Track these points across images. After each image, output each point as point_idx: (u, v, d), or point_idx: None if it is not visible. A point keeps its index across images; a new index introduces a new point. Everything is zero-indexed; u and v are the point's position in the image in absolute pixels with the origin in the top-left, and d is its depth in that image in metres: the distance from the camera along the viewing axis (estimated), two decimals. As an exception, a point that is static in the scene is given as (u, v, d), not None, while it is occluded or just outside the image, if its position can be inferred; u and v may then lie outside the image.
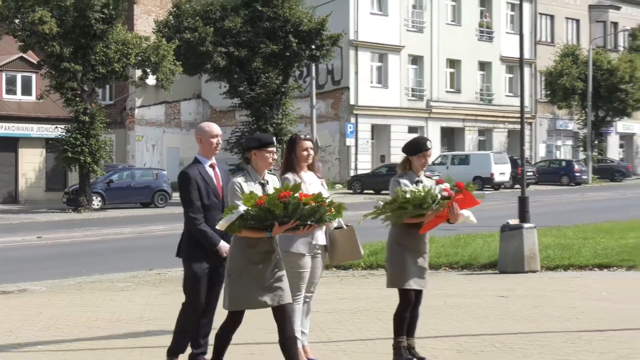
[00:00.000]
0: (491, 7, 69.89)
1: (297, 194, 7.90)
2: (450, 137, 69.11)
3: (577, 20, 77.82)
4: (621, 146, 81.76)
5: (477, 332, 11.42)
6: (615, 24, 77.93)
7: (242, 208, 7.85)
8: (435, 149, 62.92)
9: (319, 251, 9.37)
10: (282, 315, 8.31)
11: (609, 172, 69.80)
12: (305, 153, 9.16)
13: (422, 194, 8.66)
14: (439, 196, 8.72)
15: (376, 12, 62.92)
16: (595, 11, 76.83)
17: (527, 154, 60.94)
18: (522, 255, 17.81)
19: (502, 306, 13.80)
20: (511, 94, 69.79)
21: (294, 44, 48.06)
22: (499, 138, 71.00)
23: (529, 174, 51.65)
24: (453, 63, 68.44)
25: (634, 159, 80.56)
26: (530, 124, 70.40)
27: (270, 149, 8.40)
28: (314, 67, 52.87)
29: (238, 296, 8.30)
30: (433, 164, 57.89)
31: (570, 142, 76.11)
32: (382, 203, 9.03)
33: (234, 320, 8.46)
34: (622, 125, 77.08)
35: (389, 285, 9.32)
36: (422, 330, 10.71)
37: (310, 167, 9.29)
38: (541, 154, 73.35)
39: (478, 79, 70.35)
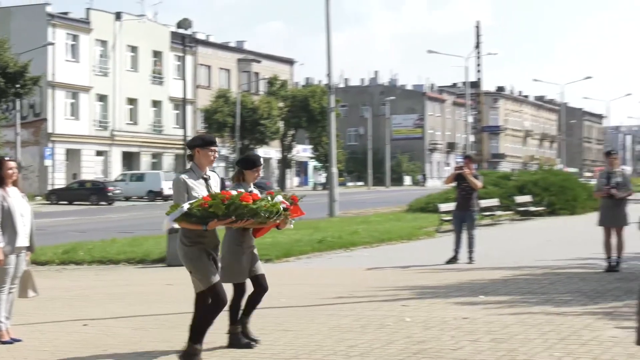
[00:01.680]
0: (162, 58, 75.29)
1: (239, 196, 7.65)
2: (130, 159, 73.00)
3: (229, 70, 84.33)
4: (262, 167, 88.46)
5: (149, 313, 11.46)
6: (257, 74, 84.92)
7: (186, 206, 7.51)
8: (117, 169, 68.89)
9: (22, 251, 9.29)
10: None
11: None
12: (10, 172, 9.10)
13: (270, 204, 7.94)
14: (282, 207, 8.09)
15: (70, 59, 67.75)
16: (242, 63, 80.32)
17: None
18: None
19: (168, 292, 13.98)
20: (177, 126, 72.57)
21: (2, 83, 50.20)
22: (168, 160, 75.57)
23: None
24: (132, 101, 73.18)
25: (270, 177, 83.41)
26: (192, 149, 75.31)
27: (212, 147, 7.96)
28: (18, 102, 55.54)
29: (205, 277, 7.83)
30: (116, 180, 63.36)
31: (223, 164, 78.00)
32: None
33: (222, 295, 7.89)
34: (262, 151, 77.93)
35: (227, 280, 8.50)
36: (103, 312, 11.39)
37: (14, 184, 9.22)
38: (200, 173, 77.88)
39: (151, 114, 75.05)
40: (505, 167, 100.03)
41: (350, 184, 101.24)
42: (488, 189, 31.92)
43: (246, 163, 8.97)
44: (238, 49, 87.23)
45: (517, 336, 9.10)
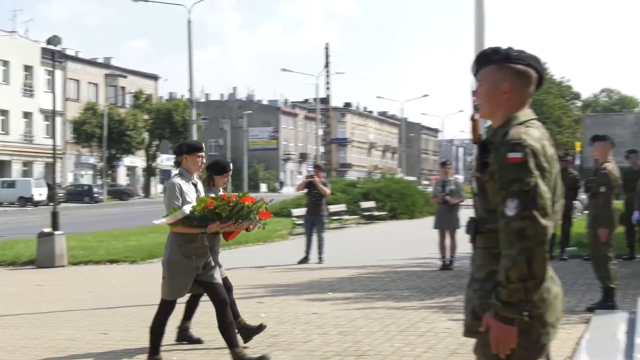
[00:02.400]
0: (32, 72, 72.70)
1: (241, 199, 7.27)
2: (2, 167, 70.07)
3: (96, 84, 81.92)
4: (127, 175, 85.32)
5: (19, 312, 11.15)
6: (123, 88, 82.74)
7: (187, 208, 7.05)
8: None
9: None
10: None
11: (119, 194, 73.03)
12: None
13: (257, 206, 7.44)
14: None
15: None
16: (109, 78, 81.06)
17: (59, 180, 61.58)
18: (54, 255, 17.83)
19: (38, 292, 13.65)
20: (48, 136, 69.49)
21: None
22: (39, 168, 72.68)
23: (60, 195, 53.24)
24: (3, 112, 70.03)
25: (136, 184, 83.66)
26: (62, 158, 71.65)
27: (200, 153, 7.54)
28: None
29: (179, 286, 7.36)
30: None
31: (91, 172, 78.48)
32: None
33: (169, 307, 7.52)
34: (128, 160, 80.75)
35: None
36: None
37: None
38: (70, 180, 75.05)
39: (22, 125, 72.24)
40: (351, 175, 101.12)
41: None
42: (336, 196, 32.12)
43: (216, 168, 8.51)
44: (105, 65, 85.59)
45: (361, 329, 9.20)
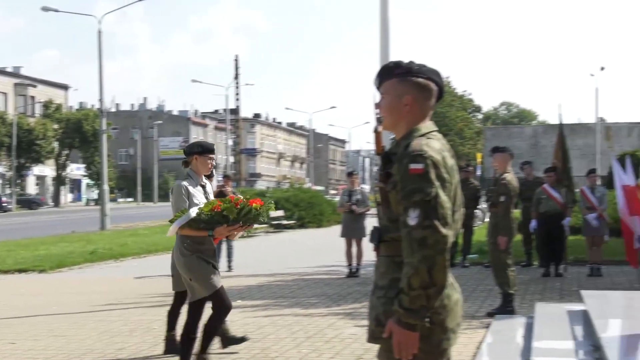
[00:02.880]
0: None
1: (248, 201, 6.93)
2: None
3: (5, 93, 79.67)
4: (37, 184, 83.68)
5: None
6: (33, 97, 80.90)
7: (194, 211, 6.78)
8: None
9: None
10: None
11: (28, 203, 71.77)
12: None
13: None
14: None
15: None
16: (19, 87, 79.52)
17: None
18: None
19: None
20: None
21: None
22: None
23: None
24: None
25: (45, 193, 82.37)
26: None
27: (211, 155, 7.28)
28: None
29: (207, 278, 7.00)
30: None
31: (0, 181, 76.10)
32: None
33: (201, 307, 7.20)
34: (37, 169, 79.01)
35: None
36: None
37: None
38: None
39: None
40: (261, 185, 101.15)
41: (120, 200, 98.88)
42: (246, 205, 31.99)
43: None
44: (15, 74, 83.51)
45: (270, 336, 9.18)
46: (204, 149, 7.28)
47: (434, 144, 3.27)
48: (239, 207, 6.83)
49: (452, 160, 3.32)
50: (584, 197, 15.15)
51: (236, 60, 64.99)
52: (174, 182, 7.38)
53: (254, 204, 6.92)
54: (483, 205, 29.47)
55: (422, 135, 3.32)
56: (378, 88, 3.46)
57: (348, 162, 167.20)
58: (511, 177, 10.42)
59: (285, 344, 8.66)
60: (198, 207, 6.89)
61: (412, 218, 3.10)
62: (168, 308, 8.56)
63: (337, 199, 20.65)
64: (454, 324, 3.28)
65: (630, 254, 12.54)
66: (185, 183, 7.14)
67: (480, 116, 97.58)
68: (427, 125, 3.40)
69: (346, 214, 15.87)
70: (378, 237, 3.36)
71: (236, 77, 64.50)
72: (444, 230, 3.10)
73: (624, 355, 5.52)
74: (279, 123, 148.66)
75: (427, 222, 3.09)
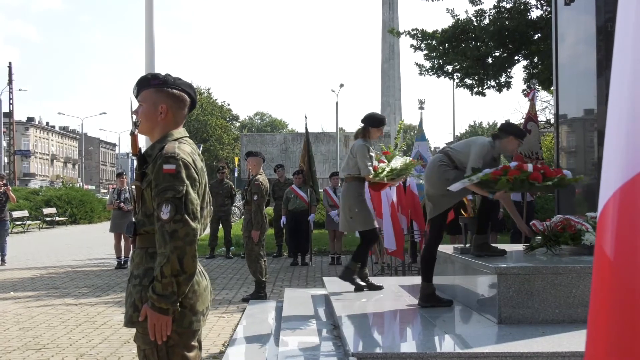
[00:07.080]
0: None
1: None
2: None
3: None
4: None
5: None
6: None
7: (476, 176, 6.24)
8: None
9: None
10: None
11: None
12: None
13: None
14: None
15: None
16: None
17: None
18: None
19: None
20: None
21: None
22: None
23: None
24: None
25: None
26: None
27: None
28: None
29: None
30: None
31: None
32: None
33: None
34: None
35: (363, 227, 8.01)
36: None
37: None
38: None
39: None
40: (35, 184, 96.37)
41: None
42: (19, 203, 30.79)
43: (373, 121, 8.04)
44: None
45: (41, 324, 8.88)
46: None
47: (185, 148, 3.32)
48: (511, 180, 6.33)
49: (201, 163, 3.39)
50: (327, 196, 15.74)
51: (9, 67, 61.86)
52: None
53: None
54: (239, 202, 29.87)
55: (175, 140, 3.37)
56: (137, 96, 3.47)
57: (118, 163, 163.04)
58: (263, 178, 10.64)
59: (57, 332, 8.39)
60: (476, 175, 6.50)
61: (165, 213, 3.13)
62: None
63: (107, 197, 20.17)
64: (203, 307, 3.34)
65: (399, 248, 12.17)
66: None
67: (237, 124, 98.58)
68: (180, 131, 3.46)
69: (115, 210, 15.58)
70: (134, 230, 3.36)
71: (10, 82, 61.41)
72: (193, 224, 3.15)
73: (357, 331, 5.83)
74: (53, 127, 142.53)
75: (178, 216, 3.13)
